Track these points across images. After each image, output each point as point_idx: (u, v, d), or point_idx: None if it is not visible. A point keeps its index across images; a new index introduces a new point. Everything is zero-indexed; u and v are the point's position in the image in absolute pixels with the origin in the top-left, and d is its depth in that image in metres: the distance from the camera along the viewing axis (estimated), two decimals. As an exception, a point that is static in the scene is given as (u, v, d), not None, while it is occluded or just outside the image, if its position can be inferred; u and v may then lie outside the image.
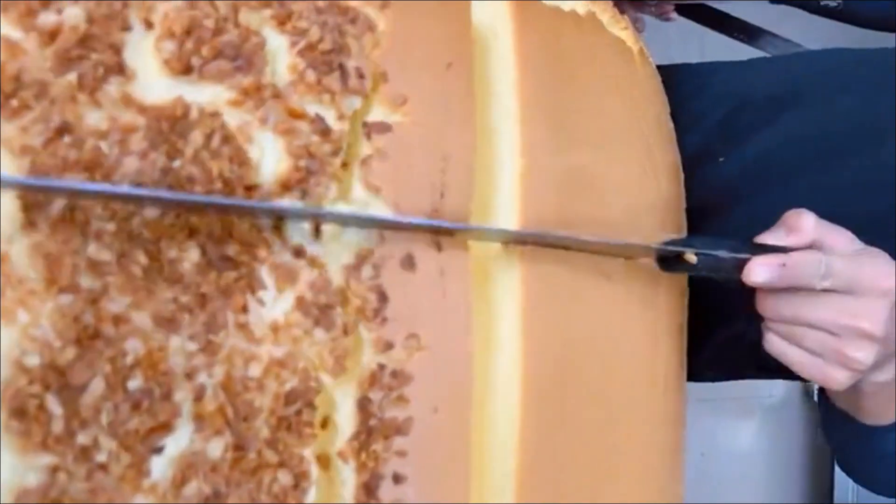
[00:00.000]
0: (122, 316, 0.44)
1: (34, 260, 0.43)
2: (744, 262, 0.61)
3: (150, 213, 0.46)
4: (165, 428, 0.45)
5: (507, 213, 0.61)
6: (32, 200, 0.43)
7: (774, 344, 0.62)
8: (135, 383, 0.44)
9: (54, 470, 0.42)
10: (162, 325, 0.45)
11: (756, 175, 0.79)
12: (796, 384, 1.22)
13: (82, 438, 0.43)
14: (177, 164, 0.48)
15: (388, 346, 0.53)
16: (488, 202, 0.61)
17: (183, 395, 0.46)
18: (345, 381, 0.52)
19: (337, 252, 0.53)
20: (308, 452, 0.50)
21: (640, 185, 0.73)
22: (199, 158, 0.49)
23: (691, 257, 0.64)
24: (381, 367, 0.53)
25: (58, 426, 0.42)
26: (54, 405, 0.42)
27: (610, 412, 0.67)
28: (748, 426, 1.64)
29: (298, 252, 0.50)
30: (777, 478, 1.76)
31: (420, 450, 0.53)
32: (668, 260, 0.67)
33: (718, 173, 0.82)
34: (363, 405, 0.52)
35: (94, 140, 0.45)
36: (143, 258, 0.45)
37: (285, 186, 0.51)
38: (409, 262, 0.54)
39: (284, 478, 0.49)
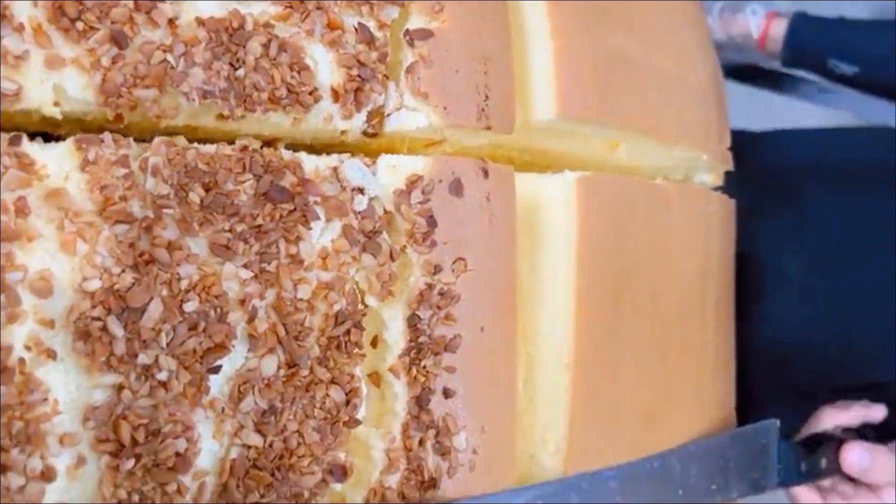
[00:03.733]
0: (175, 243, 0.46)
1: (91, 193, 0.45)
2: None
3: (207, 149, 0.48)
4: (221, 348, 0.47)
5: (546, 99, 0.61)
6: (87, 141, 0.45)
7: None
8: (191, 306, 0.46)
9: (119, 388, 0.45)
10: (217, 253, 0.47)
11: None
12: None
13: (144, 358, 0.45)
14: (241, 72, 0.49)
15: (437, 268, 0.54)
16: (527, 93, 0.62)
17: (237, 318, 0.48)
18: (393, 302, 0.54)
19: (388, 180, 0.54)
20: (358, 370, 0.52)
21: (678, 74, 0.72)
22: (261, 66, 0.50)
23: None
24: (430, 286, 0.54)
25: (120, 347, 0.45)
26: (116, 327, 0.45)
27: (662, 332, 0.68)
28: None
29: (350, 186, 0.52)
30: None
31: (468, 366, 0.55)
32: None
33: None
34: (413, 323, 0.54)
35: (161, 54, 0.47)
36: (200, 190, 0.47)
37: (342, 94, 0.52)
38: (457, 188, 0.55)
39: (336, 394, 0.51)
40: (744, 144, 0.83)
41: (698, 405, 0.73)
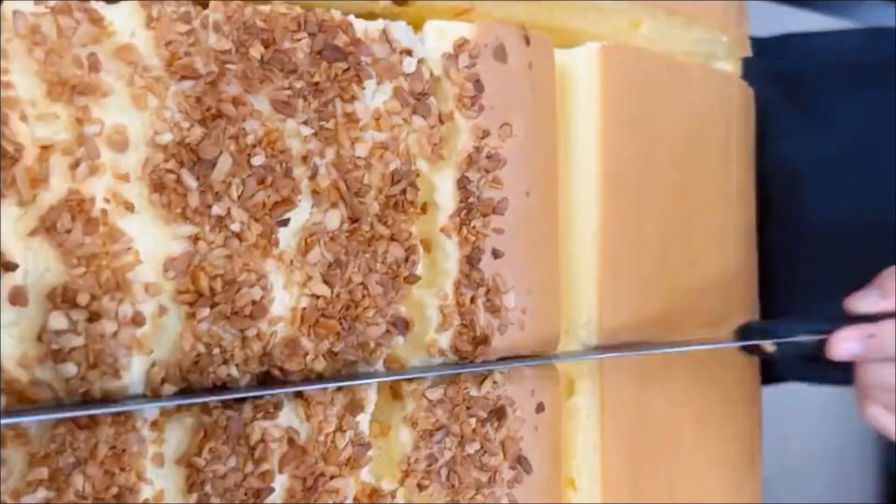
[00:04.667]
0: (239, 98, 0.47)
1: (157, 49, 0.46)
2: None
3: (262, 8, 0.49)
4: (288, 202, 0.49)
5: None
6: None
7: (873, 412, 0.59)
8: (258, 160, 0.48)
9: (195, 239, 0.46)
10: (279, 109, 0.49)
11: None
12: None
13: (217, 209, 0.47)
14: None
15: (485, 133, 0.56)
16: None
17: (300, 173, 0.49)
18: (443, 165, 0.55)
19: (436, 45, 0.55)
20: (414, 229, 0.54)
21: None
22: None
23: (769, 347, 0.62)
24: (478, 150, 0.55)
25: (194, 199, 0.46)
26: (189, 179, 0.46)
27: (686, 206, 0.70)
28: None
29: (399, 48, 0.53)
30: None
31: (515, 229, 0.57)
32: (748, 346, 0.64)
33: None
34: (462, 184, 0.55)
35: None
36: (259, 46, 0.48)
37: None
38: (501, 53, 0.56)
39: (396, 251, 0.53)
40: (758, 50, 0.84)
41: (721, 284, 0.75)
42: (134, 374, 0.45)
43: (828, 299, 0.73)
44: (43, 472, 0.44)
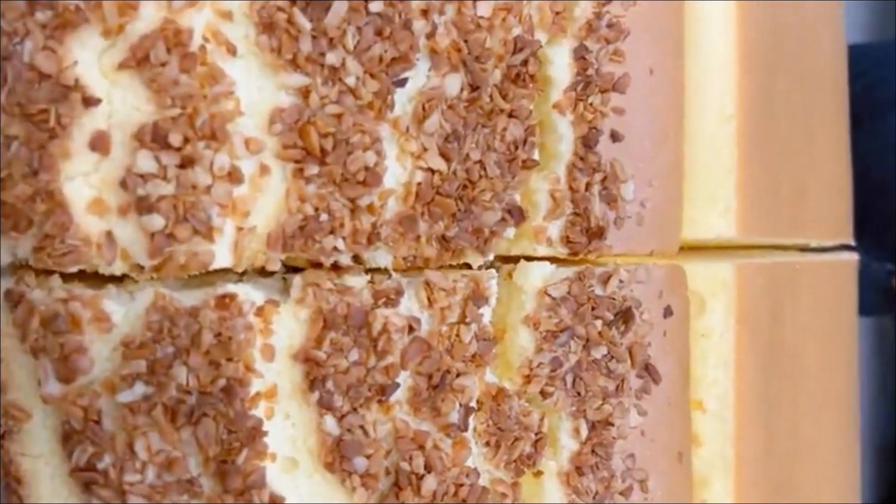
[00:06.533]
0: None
1: None
2: None
3: None
4: (406, 60, 0.42)
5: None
6: None
7: None
8: (376, 6, 0.41)
9: (305, 92, 0.40)
10: (396, -53, 0.42)
11: None
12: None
13: (331, 59, 0.40)
14: None
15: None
16: None
17: (419, 27, 0.43)
18: (561, 39, 0.49)
19: None
20: (533, 108, 0.47)
21: None
22: None
23: None
24: (598, 16, 0.49)
25: (307, 44, 0.40)
26: (302, 19, 0.39)
27: (807, 110, 0.64)
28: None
29: None
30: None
31: (637, 110, 0.50)
32: None
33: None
34: (580, 54, 0.48)
35: None
36: None
37: None
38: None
39: (515, 129, 0.46)
40: None
41: (835, 196, 0.69)
42: (227, 239, 0.39)
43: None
44: (140, 365, 0.37)
